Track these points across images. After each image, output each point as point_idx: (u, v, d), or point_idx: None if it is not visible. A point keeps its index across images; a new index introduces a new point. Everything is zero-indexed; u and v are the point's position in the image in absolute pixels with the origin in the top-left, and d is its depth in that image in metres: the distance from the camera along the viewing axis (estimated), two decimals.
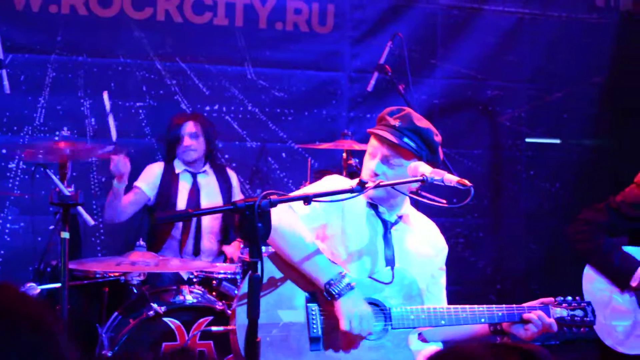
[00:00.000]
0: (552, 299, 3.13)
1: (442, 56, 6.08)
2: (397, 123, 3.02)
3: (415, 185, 3.04)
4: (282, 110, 5.73)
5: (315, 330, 2.89)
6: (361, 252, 3.05)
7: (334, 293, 2.84)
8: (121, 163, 4.60)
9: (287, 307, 2.89)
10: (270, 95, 5.70)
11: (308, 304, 2.92)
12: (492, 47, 6.22)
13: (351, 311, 2.83)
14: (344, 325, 2.83)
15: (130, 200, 4.91)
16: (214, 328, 3.78)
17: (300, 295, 2.93)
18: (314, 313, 2.90)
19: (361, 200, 3.06)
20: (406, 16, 5.97)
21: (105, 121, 5.21)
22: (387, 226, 3.11)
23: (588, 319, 3.13)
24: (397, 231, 3.13)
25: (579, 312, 3.13)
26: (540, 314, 3.05)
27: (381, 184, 2.80)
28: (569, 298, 3.16)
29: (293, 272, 2.93)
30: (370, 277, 3.01)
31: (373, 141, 3.07)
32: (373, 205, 3.11)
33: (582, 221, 4.31)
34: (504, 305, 3.08)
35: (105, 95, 4.55)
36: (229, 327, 2.92)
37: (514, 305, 3.09)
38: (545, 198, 6.44)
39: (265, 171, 5.71)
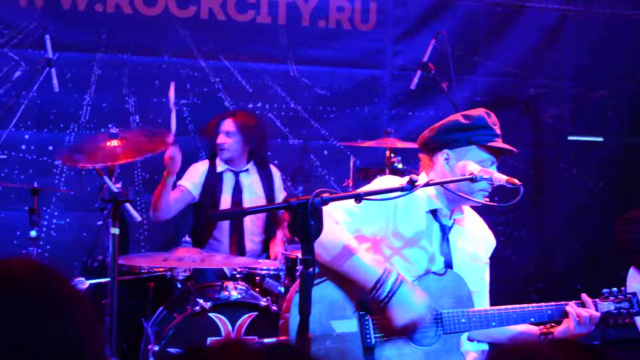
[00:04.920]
0: (589, 299, 3.11)
1: (484, 54, 6.05)
2: (499, 131, 3.05)
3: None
4: (325, 108, 5.74)
5: (368, 340, 2.87)
6: (416, 256, 3.03)
7: (384, 297, 2.80)
8: (177, 154, 4.69)
9: (340, 317, 2.87)
10: (312, 92, 5.71)
11: (360, 313, 2.89)
12: (535, 44, 6.17)
13: (407, 309, 2.82)
14: (398, 323, 2.83)
15: (176, 198, 4.93)
16: (265, 341, 3.70)
17: (352, 304, 2.90)
18: (367, 322, 2.88)
19: (421, 204, 3.04)
20: (448, 13, 5.94)
21: (149, 119, 5.31)
22: (445, 231, 3.09)
23: (634, 310, 3.12)
24: (452, 234, 3.12)
25: (625, 304, 3.12)
26: (579, 310, 3.03)
27: (430, 182, 2.80)
28: (615, 289, 3.14)
29: (342, 280, 2.88)
30: (427, 273, 3.01)
31: (485, 154, 3.01)
32: (432, 210, 3.08)
33: (628, 220, 4.31)
34: (552, 303, 3.07)
35: (172, 88, 4.65)
36: (281, 339, 2.91)
37: (562, 302, 3.08)
38: (588, 196, 6.37)
39: (307, 169, 5.73)
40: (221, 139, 5.02)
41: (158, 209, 4.85)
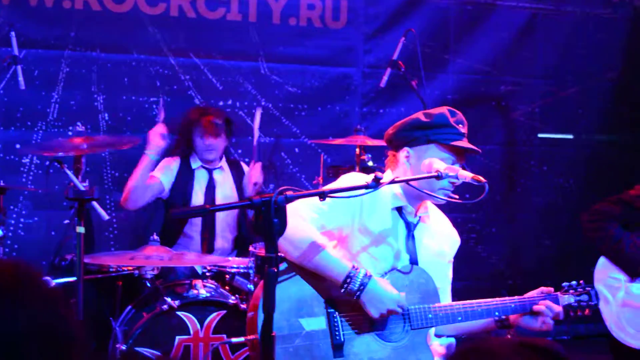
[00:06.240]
0: (551, 288, 3.15)
1: (455, 51, 6.08)
2: (465, 130, 3.05)
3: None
4: (296, 106, 5.74)
5: (338, 337, 2.87)
6: (383, 253, 3.04)
7: (355, 290, 2.81)
8: (165, 134, 4.70)
9: (308, 314, 2.87)
10: (283, 90, 5.71)
11: (329, 310, 2.90)
12: (506, 42, 6.21)
13: (379, 301, 2.83)
14: (374, 315, 2.84)
15: (149, 186, 4.85)
16: (234, 340, 3.62)
17: (320, 301, 2.90)
18: (335, 319, 2.89)
19: (386, 201, 3.05)
20: (419, 11, 5.96)
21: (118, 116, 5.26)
22: (410, 228, 3.10)
23: (592, 302, 3.20)
24: (417, 232, 3.13)
25: (584, 297, 3.19)
26: (549, 304, 3.07)
27: (396, 179, 2.81)
28: (574, 283, 3.21)
29: (311, 277, 2.89)
30: (393, 269, 3.01)
31: (444, 153, 3.01)
32: (398, 207, 3.09)
33: (594, 211, 4.39)
34: (515, 297, 3.11)
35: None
36: (250, 337, 2.89)
37: (525, 297, 3.12)
38: (559, 193, 6.42)
39: (278, 166, 5.72)
40: (209, 140, 4.97)
41: (130, 196, 4.71)
